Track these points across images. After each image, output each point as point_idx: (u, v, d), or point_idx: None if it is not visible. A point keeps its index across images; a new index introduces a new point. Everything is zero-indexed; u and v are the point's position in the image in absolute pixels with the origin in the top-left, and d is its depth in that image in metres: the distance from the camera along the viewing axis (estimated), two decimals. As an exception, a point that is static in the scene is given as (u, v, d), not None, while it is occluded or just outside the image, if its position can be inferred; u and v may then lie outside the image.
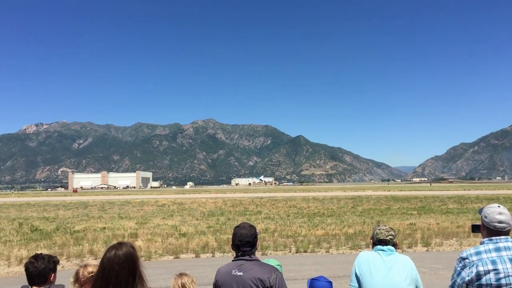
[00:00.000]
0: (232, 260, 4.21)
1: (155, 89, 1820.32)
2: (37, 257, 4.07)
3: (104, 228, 26.53)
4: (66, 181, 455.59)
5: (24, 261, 14.81)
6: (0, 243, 20.72)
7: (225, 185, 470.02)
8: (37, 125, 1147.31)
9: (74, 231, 25.03)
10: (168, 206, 49.85)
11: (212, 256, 16.78)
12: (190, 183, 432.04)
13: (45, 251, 17.94)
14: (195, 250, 17.63)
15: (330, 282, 4.67)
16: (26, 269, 4.01)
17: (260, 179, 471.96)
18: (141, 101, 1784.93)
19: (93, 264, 4.32)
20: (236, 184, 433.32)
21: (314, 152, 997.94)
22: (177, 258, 16.63)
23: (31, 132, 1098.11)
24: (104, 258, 3.21)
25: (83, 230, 25.39)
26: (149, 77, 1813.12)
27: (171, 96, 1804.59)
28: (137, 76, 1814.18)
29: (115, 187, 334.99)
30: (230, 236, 16.59)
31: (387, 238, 4.57)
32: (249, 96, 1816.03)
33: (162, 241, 20.34)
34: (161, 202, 58.38)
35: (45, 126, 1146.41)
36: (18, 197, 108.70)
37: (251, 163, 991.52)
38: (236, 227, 4.32)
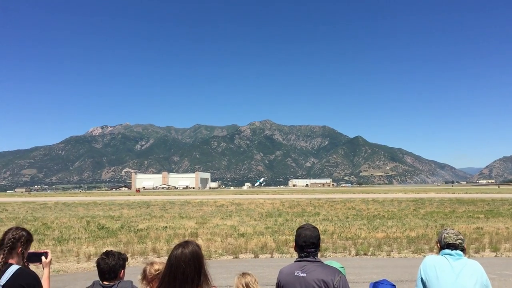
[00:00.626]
0: (295, 261, 4.19)
1: (213, 91, 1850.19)
2: (108, 254, 4.27)
3: (166, 227, 27.32)
4: (130, 181, 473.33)
5: (92, 258, 15.61)
6: (70, 240, 21.84)
7: (282, 186, 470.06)
8: (102, 128, 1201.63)
9: (137, 230, 25.95)
10: (227, 207, 50.55)
11: (271, 257, 16.84)
12: (247, 184, 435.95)
13: (111, 249, 18.76)
14: (254, 251, 17.76)
15: (394, 286, 4.54)
16: (98, 265, 4.21)
17: (260, 182, 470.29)
18: (200, 103, 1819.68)
19: (159, 262, 4.49)
20: (294, 185, 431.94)
21: (373, 153, 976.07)
22: (236, 258, 16.83)
23: (97, 134, 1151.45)
24: (172, 256, 3.31)
25: (146, 229, 26.28)
26: (208, 79, 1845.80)
27: (229, 98, 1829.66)
28: (196, 78, 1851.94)
29: (175, 187, 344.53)
30: (289, 237, 16.55)
31: (456, 242, 4.40)
32: (306, 96, 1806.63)
33: (221, 241, 20.66)
34: (220, 203, 59.30)
35: (110, 129, 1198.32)
36: (86, 196, 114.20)
37: (308, 164, 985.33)
38: (299, 228, 4.31)
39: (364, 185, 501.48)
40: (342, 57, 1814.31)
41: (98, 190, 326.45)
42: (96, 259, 4.42)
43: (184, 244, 3.39)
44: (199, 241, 20.39)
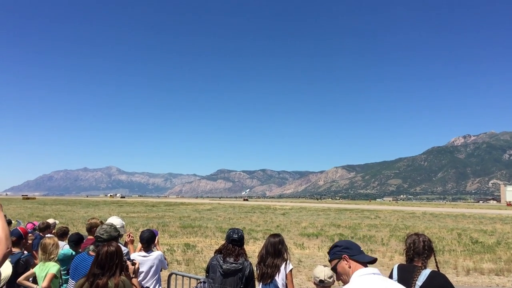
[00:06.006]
0: None
1: None
2: None
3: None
4: (498, 193, 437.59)
5: (471, 273, 15.02)
6: (444, 252, 21.78)
7: None
8: (464, 137, 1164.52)
9: (520, 248, 23.53)
10: None
11: None
12: None
13: (490, 265, 17.65)
14: None
15: None
16: None
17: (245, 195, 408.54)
18: None
19: None
20: None
21: None
22: None
23: (459, 144, 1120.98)
24: None
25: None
26: None
27: None
28: None
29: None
30: None
31: None
32: None
33: None
34: None
35: (472, 138, 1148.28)
36: (452, 208, 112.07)
37: None
38: None
39: None
40: None
41: (463, 202, 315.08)
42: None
43: None
44: None
